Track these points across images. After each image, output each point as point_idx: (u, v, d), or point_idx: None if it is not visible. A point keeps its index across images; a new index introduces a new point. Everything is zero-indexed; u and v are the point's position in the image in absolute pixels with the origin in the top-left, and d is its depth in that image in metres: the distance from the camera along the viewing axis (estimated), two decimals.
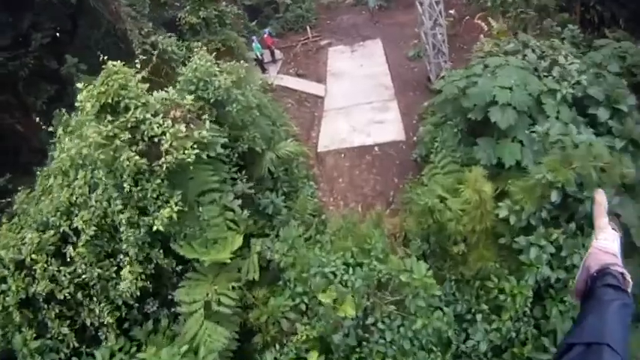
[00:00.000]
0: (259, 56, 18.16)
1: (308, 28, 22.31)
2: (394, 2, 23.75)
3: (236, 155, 7.87)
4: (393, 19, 22.66)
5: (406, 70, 17.81)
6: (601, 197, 1.61)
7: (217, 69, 7.60)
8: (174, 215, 5.71)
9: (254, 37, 18.46)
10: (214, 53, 9.69)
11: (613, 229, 1.52)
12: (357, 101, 15.76)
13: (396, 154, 12.92)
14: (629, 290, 1.34)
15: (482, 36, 15.21)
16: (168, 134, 5.53)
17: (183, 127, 5.52)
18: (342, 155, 13.33)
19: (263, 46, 18.77)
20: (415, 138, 13.08)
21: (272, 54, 19.45)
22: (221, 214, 6.51)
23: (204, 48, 9.13)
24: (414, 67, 17.82)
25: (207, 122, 6.61)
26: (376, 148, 13.22)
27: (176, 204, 5.83)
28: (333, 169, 12.93)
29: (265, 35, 19.02)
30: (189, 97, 7.12)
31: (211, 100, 7.20)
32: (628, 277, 1.36)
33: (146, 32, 9.29)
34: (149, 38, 9.36)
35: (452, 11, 19.08)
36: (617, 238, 1.50)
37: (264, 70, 18.21)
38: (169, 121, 5.74)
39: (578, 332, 1.26)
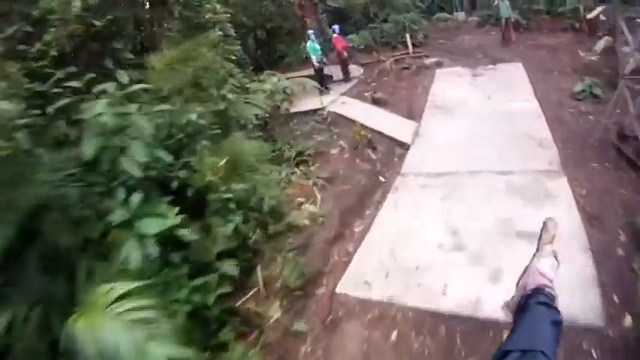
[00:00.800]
0: (315, 64, 11.10)
1: (409, 39, 14.91)
2: (535, 22, 16.97)
3: None
4: (537, 41, 15.00)
5: (572, 116, 8.85)
6: (553, 226, 1.61)
7: None
8: None
9: (310, 32, 11.27)
10: None
11: (555, 257, 1.54)
12: (476, 164, 7.15)
13: None
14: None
15: None
16: None
17: None
18: (395, 330, 3.91)
19: (328, 52, 11.89)
20: (629, 321, 3.73)
21: (344, 67, 12.24)
22: None
23: None
24: (585, 112, 8.86)
25: None
26: None
27: None
28: None
29: (335, 35, 11.87)
30: None
31: None
32: (557, 302, 1.43)
33: None
34: None
35: None
36: (556, 269, 1.53)
37: (322, 85, 10.76)
38: None
39: (514, 341, 1.28)
